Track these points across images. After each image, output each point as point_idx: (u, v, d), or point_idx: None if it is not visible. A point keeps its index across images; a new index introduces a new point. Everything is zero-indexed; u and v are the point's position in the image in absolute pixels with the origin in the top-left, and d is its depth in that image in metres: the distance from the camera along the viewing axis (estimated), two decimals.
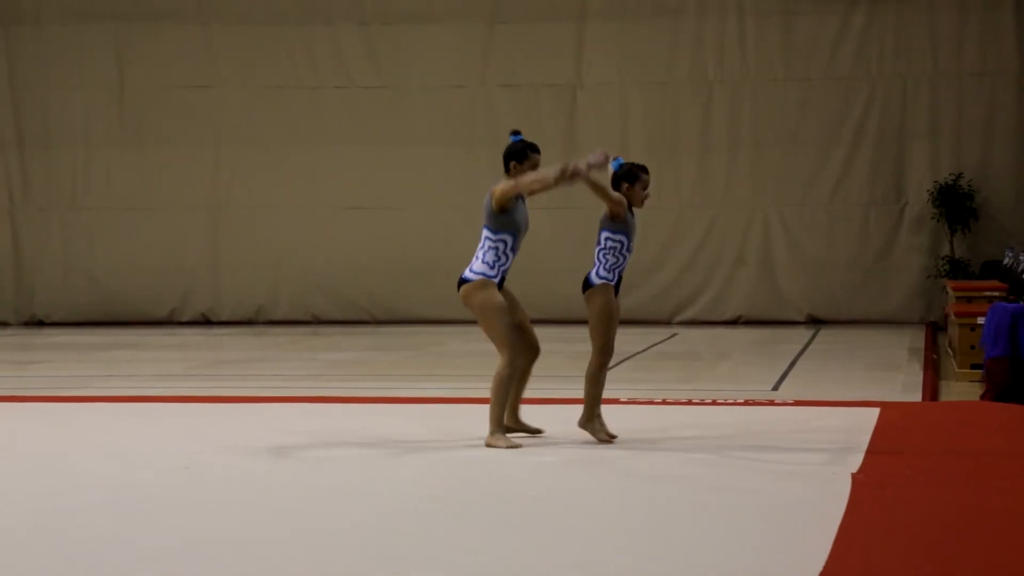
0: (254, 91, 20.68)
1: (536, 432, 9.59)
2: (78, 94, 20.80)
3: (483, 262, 9.28)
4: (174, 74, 20.74)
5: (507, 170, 9.39)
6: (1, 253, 20.96)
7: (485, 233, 9.28)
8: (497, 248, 9.25)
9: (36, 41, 20.79)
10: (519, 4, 20.18)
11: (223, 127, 20.74)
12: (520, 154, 9.35)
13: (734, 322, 20.08)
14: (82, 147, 20.83)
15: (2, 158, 20.91)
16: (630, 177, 9.42)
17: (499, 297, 9.26)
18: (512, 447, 9.19)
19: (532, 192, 9.23)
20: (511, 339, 9.26)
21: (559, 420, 10.02)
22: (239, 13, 20.62)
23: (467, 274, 9.32)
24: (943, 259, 19.48)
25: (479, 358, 14.78)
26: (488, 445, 9.26)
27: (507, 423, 9.45)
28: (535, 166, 9.30)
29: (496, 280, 9.27)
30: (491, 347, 9.45)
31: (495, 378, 9.31)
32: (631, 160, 9.58)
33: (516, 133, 9.44)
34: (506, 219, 9.22)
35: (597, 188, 9.17)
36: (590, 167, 9.06)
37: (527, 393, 9.68)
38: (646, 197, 9.45)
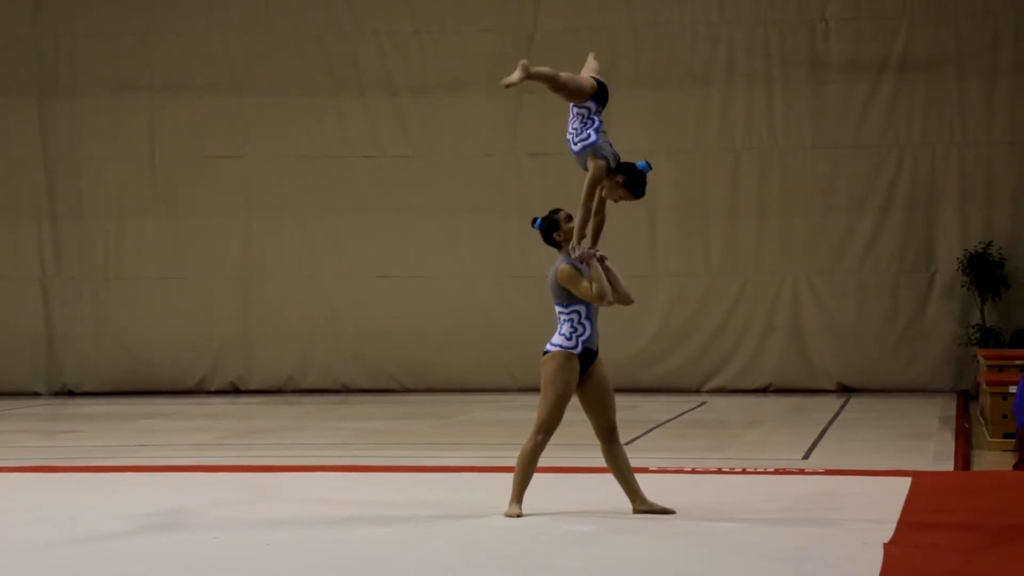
0: (285, 161, 20.81)
1: (666, 512, 9.35)
2: (111, 164, 20.95)
3: (560, 334, 9.25)
4: (206, 144, 20.89)
5: (549, 242, 9.40)
6: (33, 323, 21.05)
7: (557, 309, 9.28)
8: (572, 320, 9.25)
9: (69, 112, 20.96)
10: None
11: (254, 196, 20.86)
12: (555, 225, 9.39)
13: (764, 390, 20.02)
14: (114, 217, 20.96)
15: (35, 228, 21.04)
16: (552, 225, 9.37)
17: (568, 376, 9.16)
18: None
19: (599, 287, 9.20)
20: (551, 419, 9.20)
21: (589, 489, 9.97)
22: (271, 84, 20.78)
23: (547, 346, 9.29)
24: (974, 327, 19.41)
25: (507, 427, 14.76)
26: (506, 515, 9.23)
27: (636, 508, 9.34)
28: (572, 229, 9.30)
29: (576, 351, 9.22)
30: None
31: (521, 451, 9.30)
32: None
33: (535, 221, 9.47)
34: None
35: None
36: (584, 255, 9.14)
37: (558, 462, 9.62)
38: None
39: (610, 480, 9.53)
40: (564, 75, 9.23)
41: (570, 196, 9.49)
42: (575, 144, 9.33)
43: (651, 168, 9.38)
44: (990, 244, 19.52)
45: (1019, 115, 19.70)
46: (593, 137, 9.29)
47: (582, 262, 9.21)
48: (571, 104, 9.37)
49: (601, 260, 9.24)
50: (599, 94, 9.35)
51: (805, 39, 20.03)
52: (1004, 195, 19.74)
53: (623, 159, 9.42)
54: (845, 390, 19.80)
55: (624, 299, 9.37)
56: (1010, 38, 19.69)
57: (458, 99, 20.54)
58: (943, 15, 19.77)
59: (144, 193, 20.95)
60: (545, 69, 9.19)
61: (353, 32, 20.72)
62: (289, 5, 20.79)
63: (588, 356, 9.25)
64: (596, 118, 9.32)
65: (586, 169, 9.28)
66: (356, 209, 20.68)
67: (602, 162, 9.25)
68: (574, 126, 9.35)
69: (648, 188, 9.48)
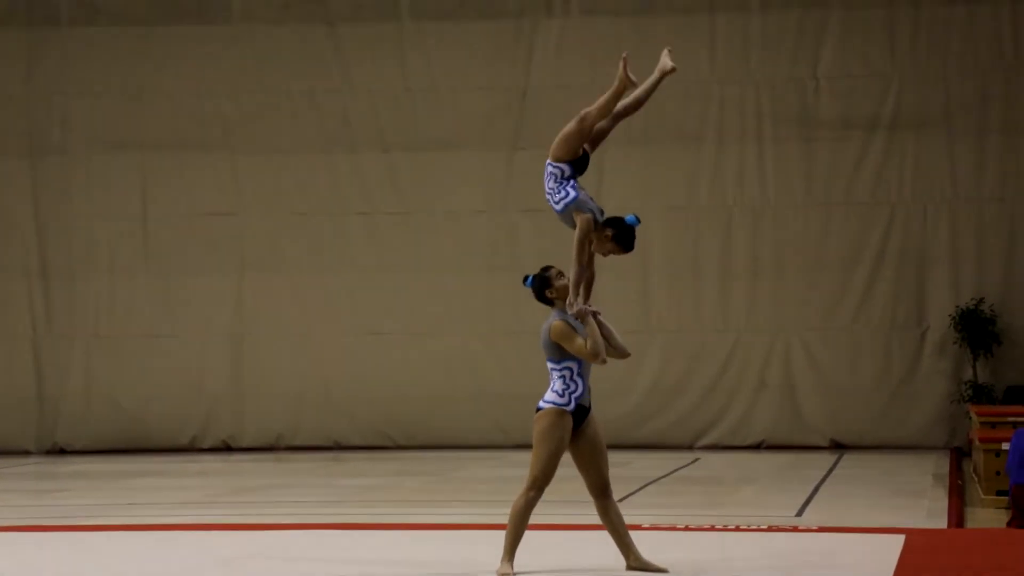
0: (278, 218, 20.81)
1: (660, 571, 9.30)
2: (102, 223, 20.94)
3: (553, 391, 9.25)
4: (198, 202, 20.89)
5: (541, 299, 9.40)
6: (24, 381, 20.99)
7: (550, 365, 9.28)
8: (565, 376, 9.25)
9: (61, 170, 20.97)
10: (538, 131, 20.31)
11: (246, 254, 20.85)
12: (547, 282, 9.38)
13: (757, 447, 19.98)
14: (106, 275, 20.94)
15: (26, 286, 21.02)
16: (543, 283, 9.37)
17: (560, 432, 9.15)
18: None
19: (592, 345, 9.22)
20: (543, 475, 9.16)
21: (582, 545, 9.91)
22: (263, 141, 20.81)
23: (540, 403, 9.28)
24: (966, 384, 19.40)
25: (500, 484, 14.71)
26: (498, 573, 9.18)
27: (630, 565, 9.31)
28: (564, 286, 9.30)
29: (570, 408, 9.21)
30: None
31: (512, 507, 9.26)
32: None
33: (526, 279, 9.48)
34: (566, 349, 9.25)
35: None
36: (581, 312, 9.15)
37: (551, 519, 9.59)
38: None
39: (603, 537, 9.49)
40: (598, 123, 9.37)
41: (563, 252, 9.49)
42: (556, 203, 9.35)
43: (639, 222, 9.38)
44: (982, 300, 19.54)
45: (1009, 172, 19.77)
46: (572, 193, 9.30)
47: (578, 318, 9.20)
48: (547, 162, 9.37)
49: (595, 316, 9.25)
50: (579, 162, 9.36)
51: (796, 97, 20.11)
52: (995, 252, 19.78)
53: (613, 215, 9.42)
54: (838, 447, 19.76)
55: (621, 353, 9.38)
56: (999, 96, 19.78)
57: (450, 156, 20.59)
58: (933, 73, 19.87)
59: (136, 251, 20.93)
60: (613, 99, 9.36)
61: (345, 89, 20.78)
62: (281, 62, 20.84)
63: (581, 412, 9.24)
64: (572, 180, 9.32)
65: (572, 226, 9.29)
66: (348, 266, 20.68)
67: (588, 215, 9.27)
68: (550, 186, 9.37)
69: (640, 244, 9.50)
